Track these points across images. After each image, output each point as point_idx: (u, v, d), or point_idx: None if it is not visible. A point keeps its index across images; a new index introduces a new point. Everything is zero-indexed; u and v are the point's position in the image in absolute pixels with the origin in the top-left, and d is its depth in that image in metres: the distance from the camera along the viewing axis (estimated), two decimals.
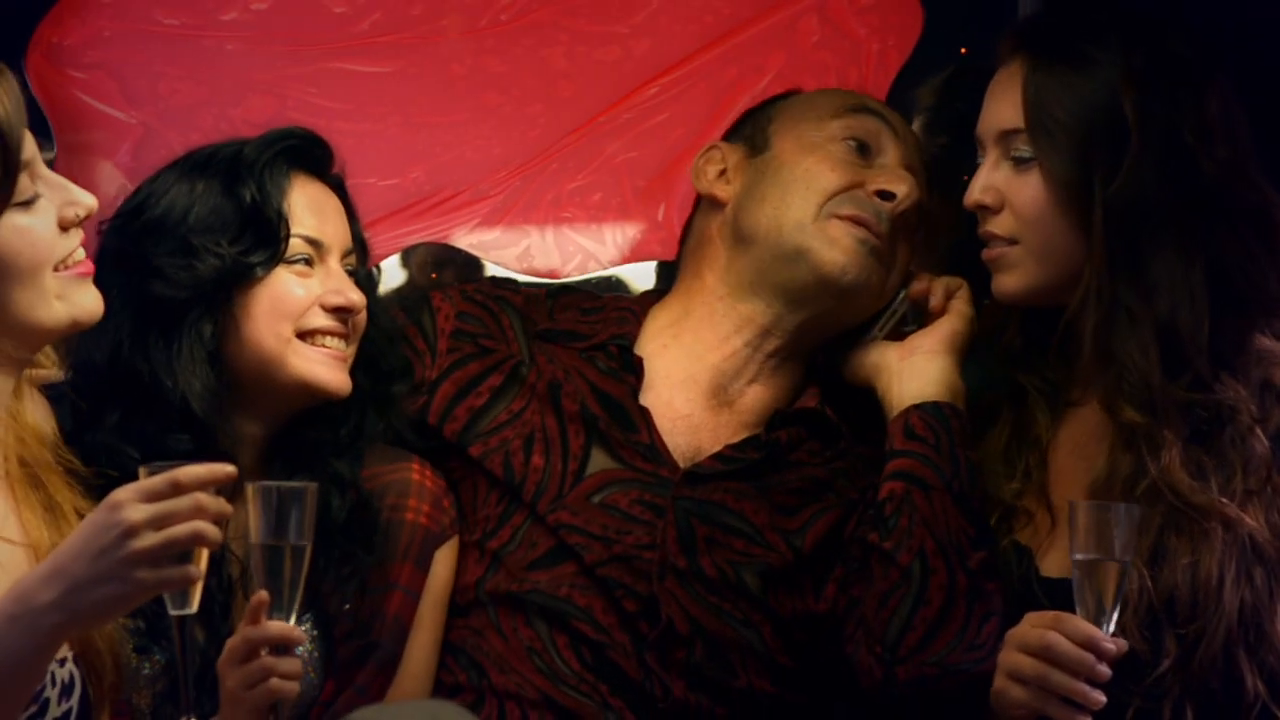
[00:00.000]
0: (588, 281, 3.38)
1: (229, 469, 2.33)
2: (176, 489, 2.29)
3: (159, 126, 3.24)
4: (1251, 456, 2.70)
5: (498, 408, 2.97)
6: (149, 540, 2.28)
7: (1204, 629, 2.65)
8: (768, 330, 2.98)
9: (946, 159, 3.13)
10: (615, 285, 3.46)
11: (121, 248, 2.76)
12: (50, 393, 2.73)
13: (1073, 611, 2.53)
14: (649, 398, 2.97)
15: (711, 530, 2.90)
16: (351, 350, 2.82)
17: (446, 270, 3.52)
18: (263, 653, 2.44)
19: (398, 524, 2.84)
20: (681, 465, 2.93)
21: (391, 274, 3.49)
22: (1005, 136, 2.80)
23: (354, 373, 2.82)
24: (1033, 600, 2.72)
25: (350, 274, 2.83)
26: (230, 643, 2.46)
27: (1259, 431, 2.71)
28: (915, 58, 3.39)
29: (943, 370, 2.91)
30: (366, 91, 3.30)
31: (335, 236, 2.82)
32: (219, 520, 2.32)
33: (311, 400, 2.79)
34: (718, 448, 2.95)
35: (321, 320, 2.77)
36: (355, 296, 2.79)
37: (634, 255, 3.42)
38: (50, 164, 2.57)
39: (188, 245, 2.73)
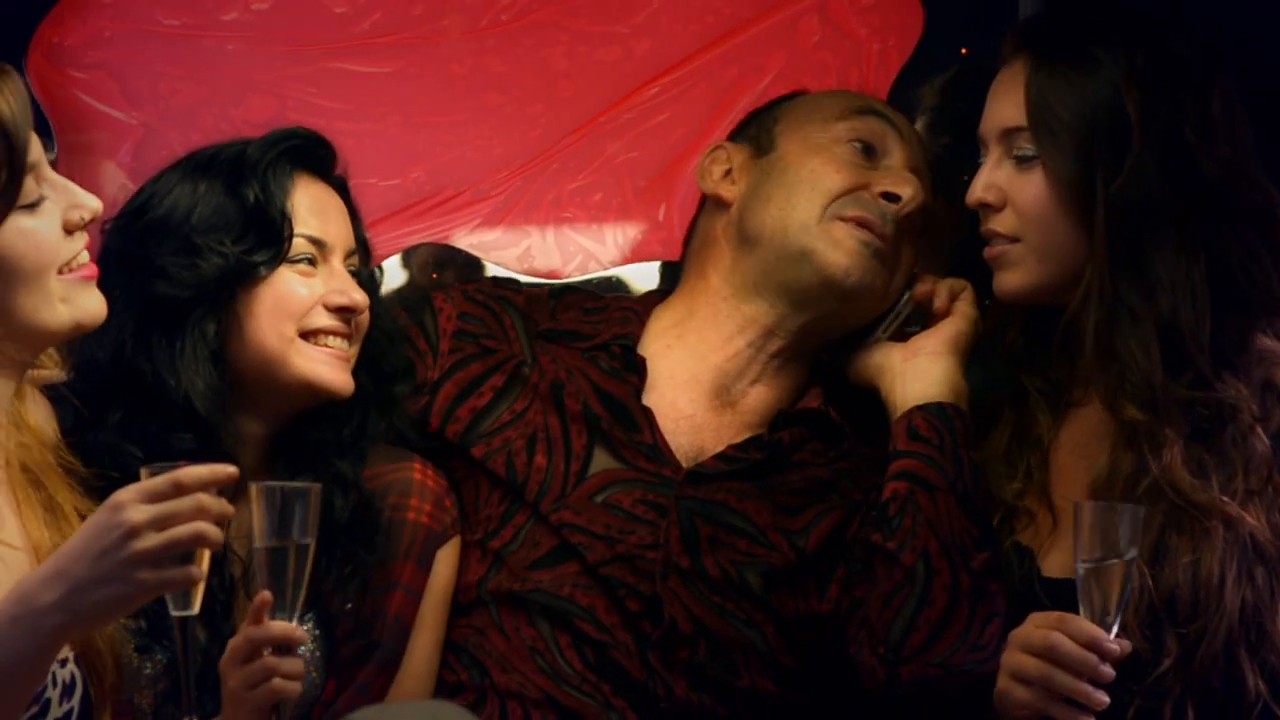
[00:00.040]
0: (588, 282, 3.38)
1: (230, 470, 2.33)
2: (178, 490, 2.29)
3: (160, 127, 3.24)
4: (1253, 456, 2.70)
5: (500, 408, 2.97)
6: (151, 541, 2.28)
7: (1205, 628, 2.65)
8: (771, 331, 2.98)
9: (949, 159, 3.12)
10: (616, 285, 3.46)
11: (124, 247, 2.76)
12: (50, 393, 2.72)
13: (1075, 612, 2.53)
14: (652, 398, 2.97)
15: (715, 530, 2.90)
16: (354, 350, 2.82)
17: (447, 271, 3.52)
18: (265, 653, 2.44)
19: (399, 523, 2.84)
20: (684, 465, 2.93)
21: (392, 274, 3.49)
22: (1008, 135, 2.81)
23: (356, 373, 2.82)
24: (1034, 601, 2.72)
25: (353, 274, 2.83)
26: (233, 643, 2.46)
27: (1260, 431, 2.71)
28: (916, 58, 3.39)
29: (946, 371, 2.91)
30: (367, 92, 3.30)
31: (338, 237, 2.82)
32: (221, 521, 2.32)
33: (314, 400, 2.79)
34: (721, 448, 2.95)
35: (324, 320, 2.78)
36: (358, 296, 2.79)
37: (635, 255, 3.42)
38: (51, 164, 2.56)
39: (191, 244, 2.74)
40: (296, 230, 2.77)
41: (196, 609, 2.36)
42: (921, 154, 3.03)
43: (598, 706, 2.83)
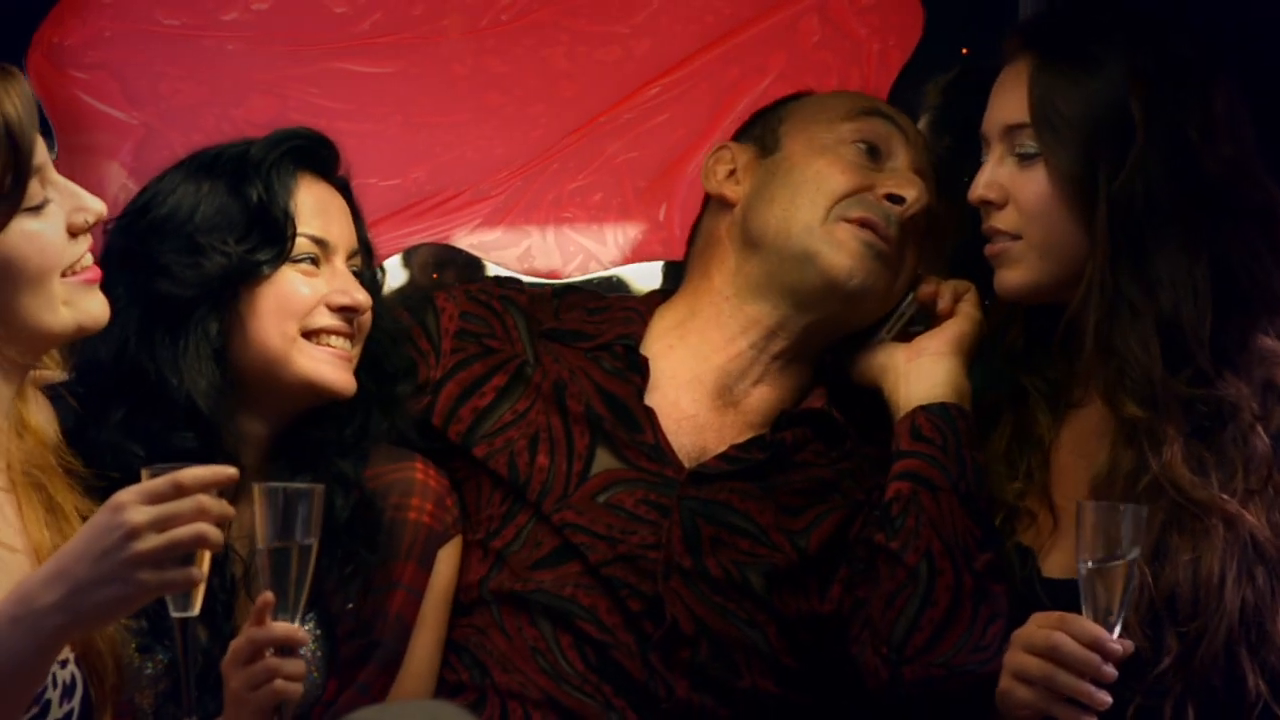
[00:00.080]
0: (589, 282, 3.39)
1: (231, 471, 2.33)
2: (179, 491, 2.29)
3: (160, 127, 3.24)
4: (1253, 455, 2.70)
5: (502, 408, 2.97)
6: (151, 542, 2.28)
7: (1205, 627, 2.65)
8: (774, 332, 2.98)
9: (951, 160, 3.12)
10: (616, 285, 3.47)
11: (127, 247, 2.76)
12: (50, 393, 2.72)
13: (1076, 612, 2.53)
14: (654, 398, 2.97)
15: (717, 530, 2.89)
16: (356, 350, 2.82)
17: (447, 271, 3.52)
18: (267, 654, 2.44)
19: (401, 523, 2.84)
20: (687, 465, 2.93)
21: (393, 274, 3.49)
22: (1010, 132, 2.81)
23: (358, 373, 2.82)
24: (1035, 601, 2.72)
25: (355, 275, 2.83)
26: (235, 644, 2.46)
27: (1260, 430, 2.71)
28: (916, 58, 3.39)
29: (950, 372, 2.91)
30: (368, 92, 3.30)
31: (341, 237, 2.82)
32: (221, 522, 2.32)
33: (316, 400, 2.79)
34: (723, 448, 2.95)
35: (327, 320, 2.78)
36: (361, 296, 2.79)
37: (635, 255, 3.42)
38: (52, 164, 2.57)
39: (194, 244, 2.74)
40: (299, 230, 2.77)
41: (197, 610, 2.36)
42: (926, 156, 3.03)
43: (599, 707, 2.83)
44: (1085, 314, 2.75)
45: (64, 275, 2.53)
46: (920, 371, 2.91)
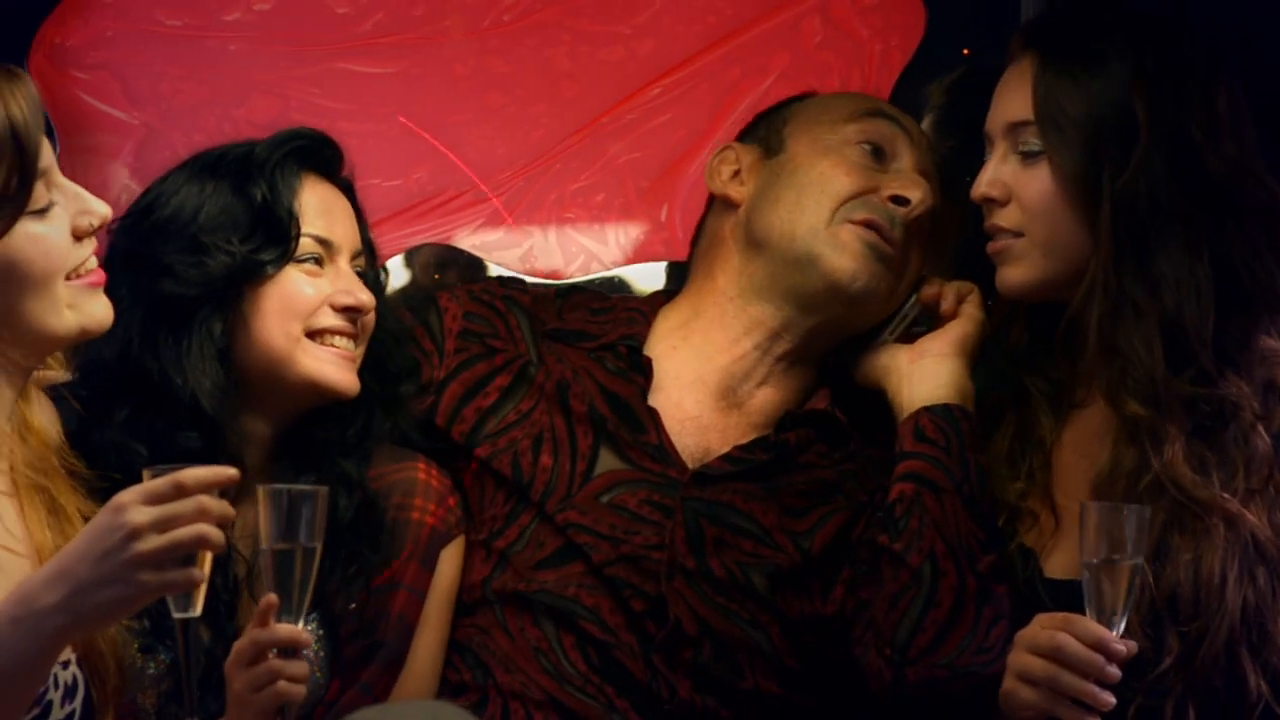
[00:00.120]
0: (591, 282, 3.39)
1: (232, 472, 2.33)
2: (180, 491, 2.29)
3: (162, 127, 3.24)
4: (1254, 455, 2.70)
5: (506, 408, 2.97)
6: (153, 543, 2.27)
7: (1206, 627, 2.65)
8: (778, 333, 2.97)
9: (954, 160, 3.12)
10: (618, 286, 3.46)
11: (131, 247, 2.75)
12: (53, 394, 2.72)
13: (1078, 613, 2.53)
14: (658, 399, 2.96)
15: (720, 531, 2.89)
16: (360, 350, 2.82)
17: (449, 271, 3.51)
18: (271, 655, 2.43)
19: (404, 523, 2.84)
20: (690, 466, 2.93)
21: (395, 275, 3.48)
22: (1014, 130, 2.81)
23: (361, 373, 2.82)
24: (1037, 602, 2.72)
25: (359, 275, 2.83)
26: (238, 645, 2.46)
27: (1261, 430, 2.71)
28: (918, 58, 3.39)
29: (953, 373, 2.90)
30: (369, 92, 3.31)
31: (345, 237, 2.82)
32: (222, 523, 2.31)
33: (320, 400, 2.79)
34: (726, 449, 2.94)
35: (331, 320, 2.77)
36: (365, 297, 2.79)
37: (637, 256, 3.43)
38: None
39: (198, 243, 2.74)
40: (303, 230, 2.77)
41: (198, 611, 2.35)
42: (930, 157, 3.02)
43: (601, 708, 2.83)
44: (1088, 313, 2.75)
45: (68, 278, 2.53)
46: (923, 373, 2.91)
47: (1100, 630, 2.50)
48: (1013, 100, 2.81)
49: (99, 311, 2.57)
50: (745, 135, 3.10)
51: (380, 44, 3.30)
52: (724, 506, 2.91)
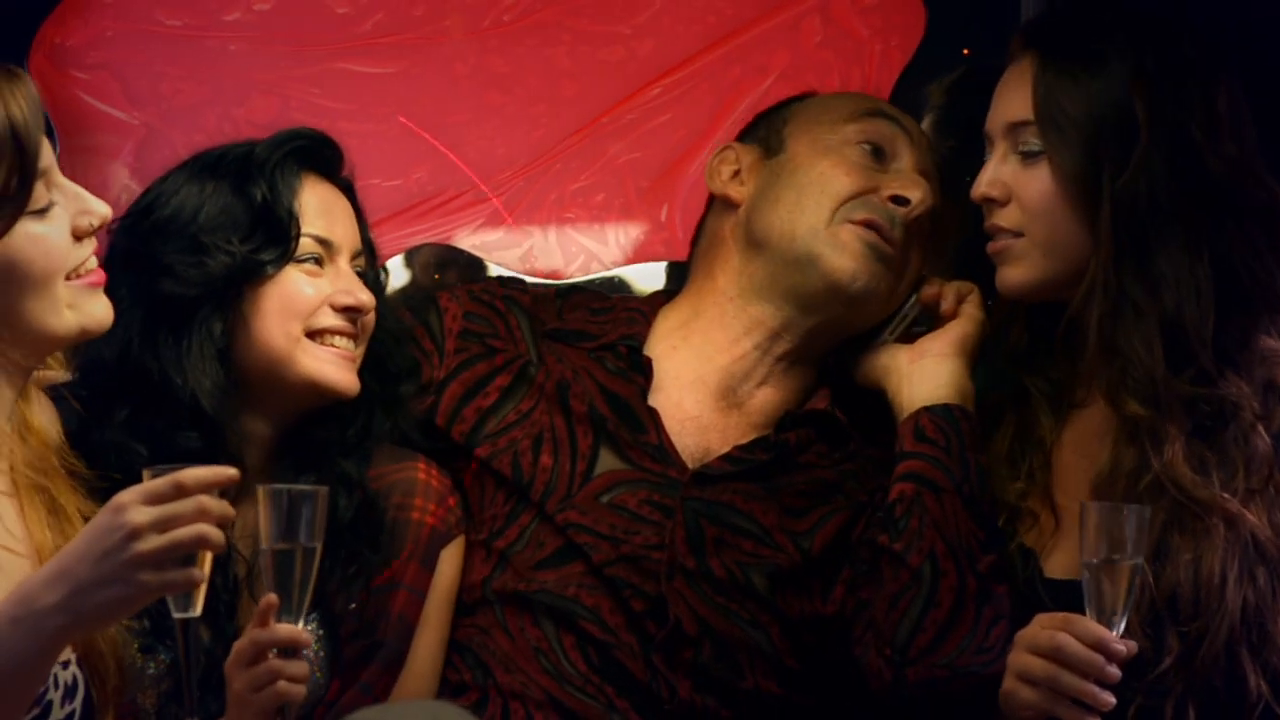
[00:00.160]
0: (591, 282, 3.39)
1: (231, 472, 2.32)
2: (180, 491, 2.29)
3: (162, 127, 3.24)
4: (1254, 455, 2.70)
5: (506, 408, 2.97)
6: (152, 543, 2.27)
7: (1206, 627, 2.65)
8: (778, 333, 2.97)
9: (954, 160, 3.12)
10: (618, 286, 3.46)
11: (131, 247, 2.75)
12: (53, 394, 2.72)
13: (1078, 613, 2.53)
14: (658, 399, 2.96)
15: (720, 531, 2.89)
16: (360, 351, 2.82)
17: (449, 271, 3.51)
18: (271, 655, 2.43)
19: (404, 523, 2.84)
20: (690, 466, 2.93)
21: (394, 275, 3.48)
22: (1014, 129, 2.81)
23: (361, 373, 2.82)
24: (1037, 602, 2.72)
25: (359, 275, 2.83)
26: (238, 645, 2.46)
27: (1261, 430, 2.71)
28: (918, 58, 3.39)
29: (953, 373, 2.90)
30: (369, 92, 3.31)
31: (345, 237, 2.82)
32: (222, 523, 2.31)
33: (320, 400, 2.79)
34: (727, 449, 2.94)
35: (331, 320, 2.78)
36: (365, 297, 2.79)
37: (637, 256, 3.43)
38: None
39: (198, 243, 2.74)
40: (304, 230, 2.77)
41: (198, 611, 2.35)
42: (930, 157, 3.02)
43: (601, 708, 2.83)
44: (1088, 313, 2.75)
45: (68, 278, 2.53)
46: (923, 373, 2.91)
47: (1101, 630, 2.50)
48: (1013, 100, 2.81)
49: (99, 312, 2.57)
50: (745, 135, 3.10)
51: (380, 44, 3.30)
52: (724, 506, 2.91)
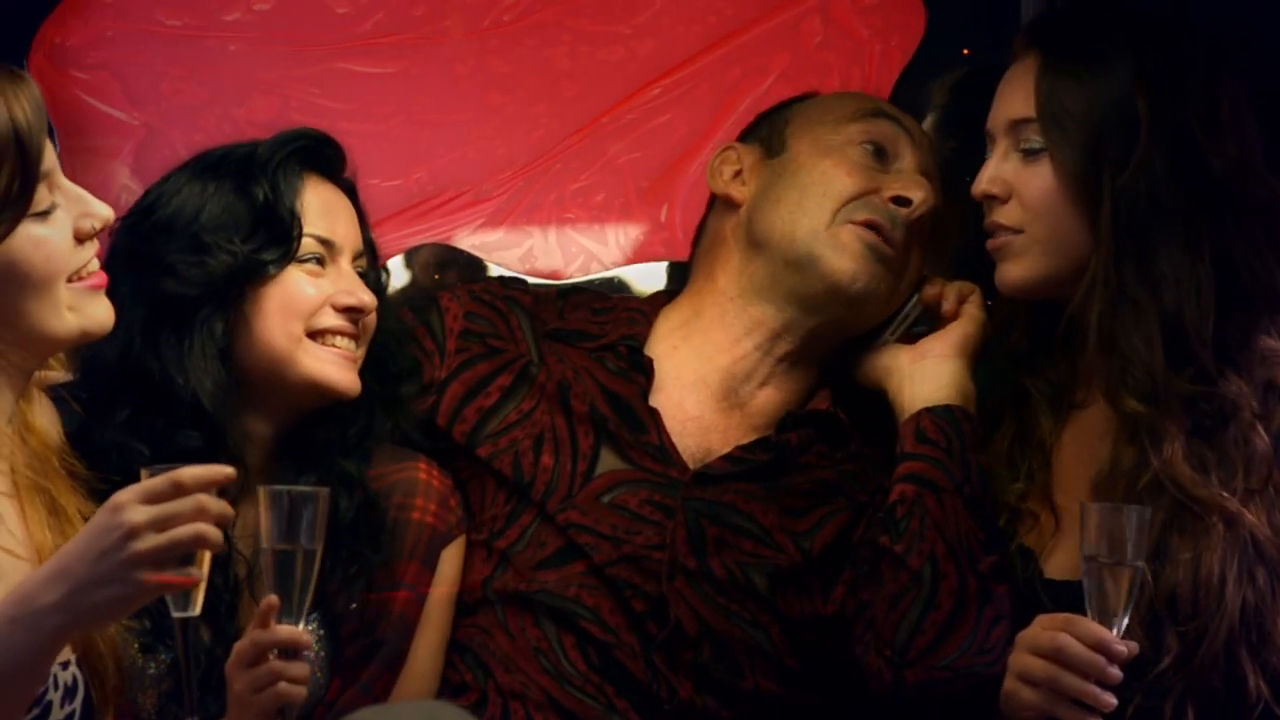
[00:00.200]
0: (591, 282, 3.38)
1: (229, 470, 2.32)
2: (178, 490, 2.29)
3: (162, 127, 3.24)
4: (1254, 455, 2.70)
5: (507, 408, 2.97)
6: (151, 542, 2.27)
7: (1206, 626, 2.66)
8: (779, 334, 2.97)
9: (955, 160, 3.12)
10: (618, 286, 3.46)
11: (132, 247, 2.76)
12: (53, 395, 2.72)
13: (1077, 613, 2.53)
14: (659, 399, 2.96)
15: (721, 531, 2.89)
16: (361, 351, 2.82)
17: (449, 271, 3.51)
18: (271, 656, 2.43)
19: (404, 523, 2.84)
20: (691, 466, 2.93)
21: (395, 275, 3.48)
22: (1015, 127, 2.81)
23: (362, 373, 2.82)
24: (1037, 603, 2.72)
25: (360, 275, 2.83)
26: (238, 646, 2.46)
27: (1261, 429, 2.71)
28: (918, 58, 3.39)
29: (954, 374, 2.91)
30: (369, 92, 3.30)
31: (347, 238, 2.82)
32: (221, 522, 2.31)
33: (321, 400, 2.79)
34: (728, 449, 2.94)
35: (332, 320, 2.78)
36: (366, 297, 2.80)
37: (637, 256, 3.42)
38: None
39: (200, 243, 2.74)
40: (305, 230, 2.77)
41: (198, 610, 2.36)
42: (932, 157, 3.02)
43: (601, 708, 2.83)
44: (1088, 310, 2.76)
45: (70, 281, 2.53)
46: (924, 373, 2.91)
47: (1101, 631, 2.51)
48: (1015, 98, 2.81)
49: (100, 314, 2.57)
50: (746, 135, 3.10)
51: (380, 44, 3.30)
52: (725, 507, 2.91)
